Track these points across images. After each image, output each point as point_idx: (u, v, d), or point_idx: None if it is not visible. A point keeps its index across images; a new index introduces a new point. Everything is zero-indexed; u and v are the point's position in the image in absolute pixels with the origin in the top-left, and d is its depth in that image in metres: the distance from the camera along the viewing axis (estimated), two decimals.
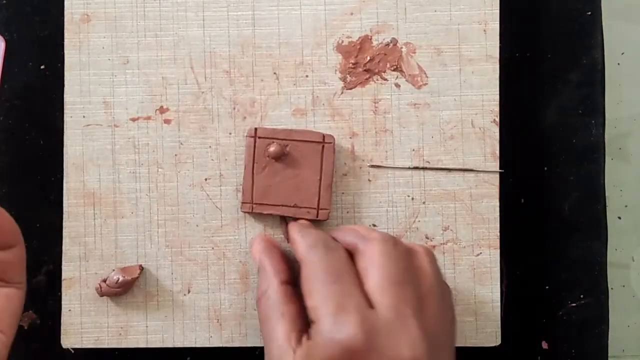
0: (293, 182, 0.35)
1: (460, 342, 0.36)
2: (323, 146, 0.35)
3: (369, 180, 0.36)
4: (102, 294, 0.36)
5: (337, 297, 0.28)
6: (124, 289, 0.36)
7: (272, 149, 0.35)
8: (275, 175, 0.35)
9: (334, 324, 0.28)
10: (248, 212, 0.36)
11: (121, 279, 0.35)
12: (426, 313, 0.29)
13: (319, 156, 0.35)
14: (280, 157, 0.35)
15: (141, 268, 0.36)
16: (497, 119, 0.36)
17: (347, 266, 0.30)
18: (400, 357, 0.27)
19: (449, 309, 0.32)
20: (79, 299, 0.36)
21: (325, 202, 0.35)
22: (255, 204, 0.35)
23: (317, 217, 0.35)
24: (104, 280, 0.36)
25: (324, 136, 0.35)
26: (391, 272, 0.29)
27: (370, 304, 0.29)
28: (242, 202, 0.36)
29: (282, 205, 0.35)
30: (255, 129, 0.36)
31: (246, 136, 0.36)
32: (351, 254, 0.31)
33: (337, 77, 0.37)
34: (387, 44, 0.37)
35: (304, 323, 0.30)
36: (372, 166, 0.36)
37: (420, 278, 0.30)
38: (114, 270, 0.36)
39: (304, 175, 0.35)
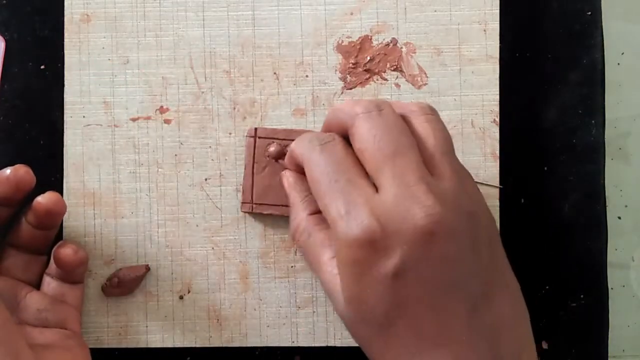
0: None
1: None
2: None
3: None
4: (108, 294, 0.36)
5: (342, 193, 0.28)
6: (128, 289, 0.36)
7: (272, 149, 0.35)
8: (275, 175, 0.35)
9: (347, 222, 0.27)
10: (248, 212, 0.36)
11: (126, 277, 0.35)
12: (437, 174, 0.28)
13: None
14: (280, 157, 0.35)
15: (147, 268, 0.36)
16: (497, 119, 0.36)
17: (345, 156, 0.29)
18: (416, 227, 0.26)
19: (463, 167, 0.30)
20: None
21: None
22: (255, 204, 0.35)
23: None
24: (109, 280, 0.36)
25: None
26: (382, 145, 0.28)
27: (376, 187, 0.28)
28: (242, 202, 0.36)
29: (282, 205, 0.35)
30: (255, 129, 0.36)
31: (246, 136, 0.36)
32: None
33: (337, 77, 0.37)
34: (387, 44, 0.37)
35: None
36: None
37: (420, 140, 0.28)
38: (120, 269, 0.36)
39: None
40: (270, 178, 0.35)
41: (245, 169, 0.36)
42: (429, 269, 0.27)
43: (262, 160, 0.35)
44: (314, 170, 0.29)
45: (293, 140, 0.35)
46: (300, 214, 0.31)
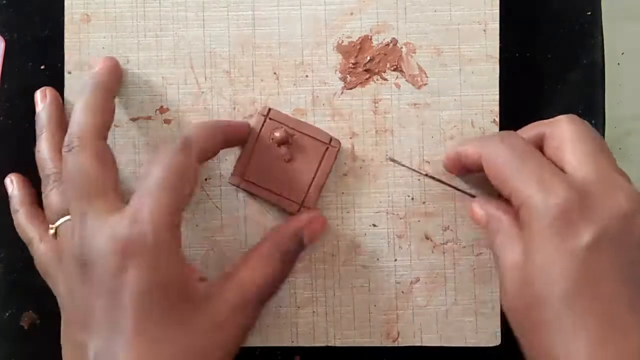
0: (287, 172, 0.35)
1: (460, 342, 0.36)
2: (327, 148, 0.35)
3: (369, 181, 0.36)
4: None
5: (534, 172, 0.29)
6: None
7: (277, 134, 0.35)
8: (272, 160, 0.35)
9: (545, 194, 0.28)
10: (234, 185, 0.35)
11: None
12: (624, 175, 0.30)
13: (320, 156, 0.35)
14: (284, 143, 0.35)
15: None
16: (497, 119, 0.36)
17: (528, 144, 0.31)
18: (620, 207, 0.28)
19: None
20: None
21: (310, 201, 0.35)
22: (246, 180, 0.35)
23: (297, 211, 0.35)
24: None
25: (331, 139, 0.35)
26: (585, 143, 0.30)
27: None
28: (232, 175, 0.35)
29: (268, 190, 0.35)
30: (269, 109, 0.35)
31: (258, 113, 0.35)
32: (539, 149, 0.31)
33: (337, 77, 0.37)
34: (387, 44, 0.37)
35: None
36: (391, 159, 0.36)
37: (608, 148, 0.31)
38: None
39: (299, 168, 0.35)
40: (267, 161, 0.35)
41: (247, 143, 0.35)
42: (623, 250, 0.27)
43: (265, 142, 0.35)
44: (499, 157, 0.30)
45: (301, 132, 0.35)
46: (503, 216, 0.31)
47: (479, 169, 0.32)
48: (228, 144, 0.34)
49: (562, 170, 0.30)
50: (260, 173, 0.35)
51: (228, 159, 0.36)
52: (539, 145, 0.32)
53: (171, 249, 0.29)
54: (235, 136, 0.34)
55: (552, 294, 0.27)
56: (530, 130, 0.33)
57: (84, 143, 0.31)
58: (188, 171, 0.30)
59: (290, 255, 0.33)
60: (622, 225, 0.27)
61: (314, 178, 0.35)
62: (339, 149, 0.35)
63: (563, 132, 0.30)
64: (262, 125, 0.35)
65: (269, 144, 0.35)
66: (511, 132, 0.32)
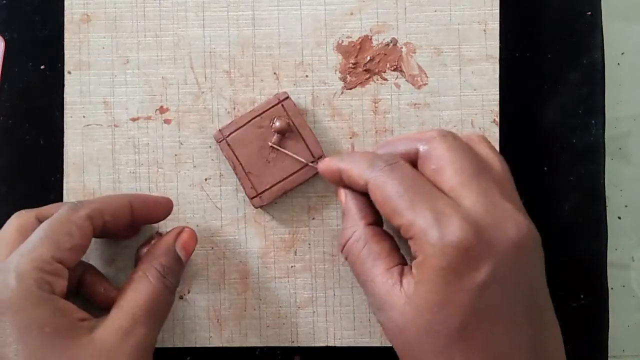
0: (265, 159, 0.35)
1: None
2: (312, 162, 0.35)
3: None
4: None
5: (427, 204, 0.27)
6: None
7: (278, 123, 0.35)
8: (259, 141, 0.35)
9: (440, 230, 0.27)
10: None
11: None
12: (509, 197, 0.29)
13: (301, 165, 0.35)
14: (285, 131, 0.35)
15: None
16: (497, 119, 0.36)
17: (417, 173, 0.29)
18: (509, 240, 0.27)
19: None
20: None
21: (267, 198, 0.35)
22: (227, 142, 0.35)
23: (252, 198, 0.35)
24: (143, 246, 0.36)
25: (321, 156, 0.35)
26: (464, 164, 0.28)
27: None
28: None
29: (240, 164, 0.35)
30: (288, 97, 0.35)
31: (276, 95, 0.35)
32: (412, 163, 0.30)
33: (337, 77, 0.37)
34: (387, 44, 0.37)
35: (401, 257, 0.30)
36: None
37: (489, 165, 0.30)
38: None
39: (277, 164, 0.35)
40: (255, 140, 0.35)
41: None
42: (513, 284, 0.27)
43: (264, 123, 0.35)
44: (387, 188, 0.29)
45: (299, 133, 0.35)
46: (357, 223, 0.31)
47: (362, 190, 0.30)
48: (138, 217, 0.33)
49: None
50: (242, 145, 0.35)
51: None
52: (412, 161, 0.30)
53: (36, 295, 0.28)
54: (145, 212, 0.34)
55: (441, 329, 0.27)
56: (400, 145, 0.31)
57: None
58: (69, 227, 0.30)
59: (168, 270, 0.32)
60: (513, 258, 0.27)
61: (283, 179, 0.35)
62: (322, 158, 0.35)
63: (440, 153, 0.29)
64: (272, 107, 0.35)
65: (267, 125, 0.35)
66: (399, 159, 0.30)
